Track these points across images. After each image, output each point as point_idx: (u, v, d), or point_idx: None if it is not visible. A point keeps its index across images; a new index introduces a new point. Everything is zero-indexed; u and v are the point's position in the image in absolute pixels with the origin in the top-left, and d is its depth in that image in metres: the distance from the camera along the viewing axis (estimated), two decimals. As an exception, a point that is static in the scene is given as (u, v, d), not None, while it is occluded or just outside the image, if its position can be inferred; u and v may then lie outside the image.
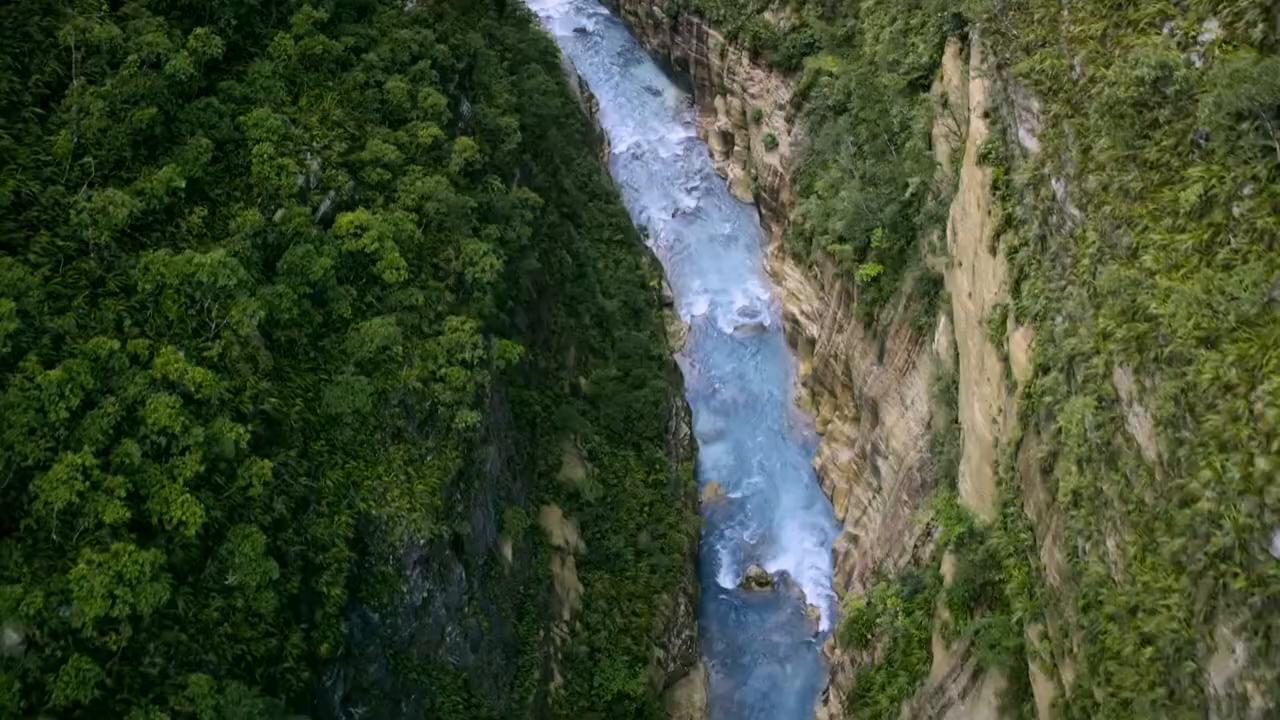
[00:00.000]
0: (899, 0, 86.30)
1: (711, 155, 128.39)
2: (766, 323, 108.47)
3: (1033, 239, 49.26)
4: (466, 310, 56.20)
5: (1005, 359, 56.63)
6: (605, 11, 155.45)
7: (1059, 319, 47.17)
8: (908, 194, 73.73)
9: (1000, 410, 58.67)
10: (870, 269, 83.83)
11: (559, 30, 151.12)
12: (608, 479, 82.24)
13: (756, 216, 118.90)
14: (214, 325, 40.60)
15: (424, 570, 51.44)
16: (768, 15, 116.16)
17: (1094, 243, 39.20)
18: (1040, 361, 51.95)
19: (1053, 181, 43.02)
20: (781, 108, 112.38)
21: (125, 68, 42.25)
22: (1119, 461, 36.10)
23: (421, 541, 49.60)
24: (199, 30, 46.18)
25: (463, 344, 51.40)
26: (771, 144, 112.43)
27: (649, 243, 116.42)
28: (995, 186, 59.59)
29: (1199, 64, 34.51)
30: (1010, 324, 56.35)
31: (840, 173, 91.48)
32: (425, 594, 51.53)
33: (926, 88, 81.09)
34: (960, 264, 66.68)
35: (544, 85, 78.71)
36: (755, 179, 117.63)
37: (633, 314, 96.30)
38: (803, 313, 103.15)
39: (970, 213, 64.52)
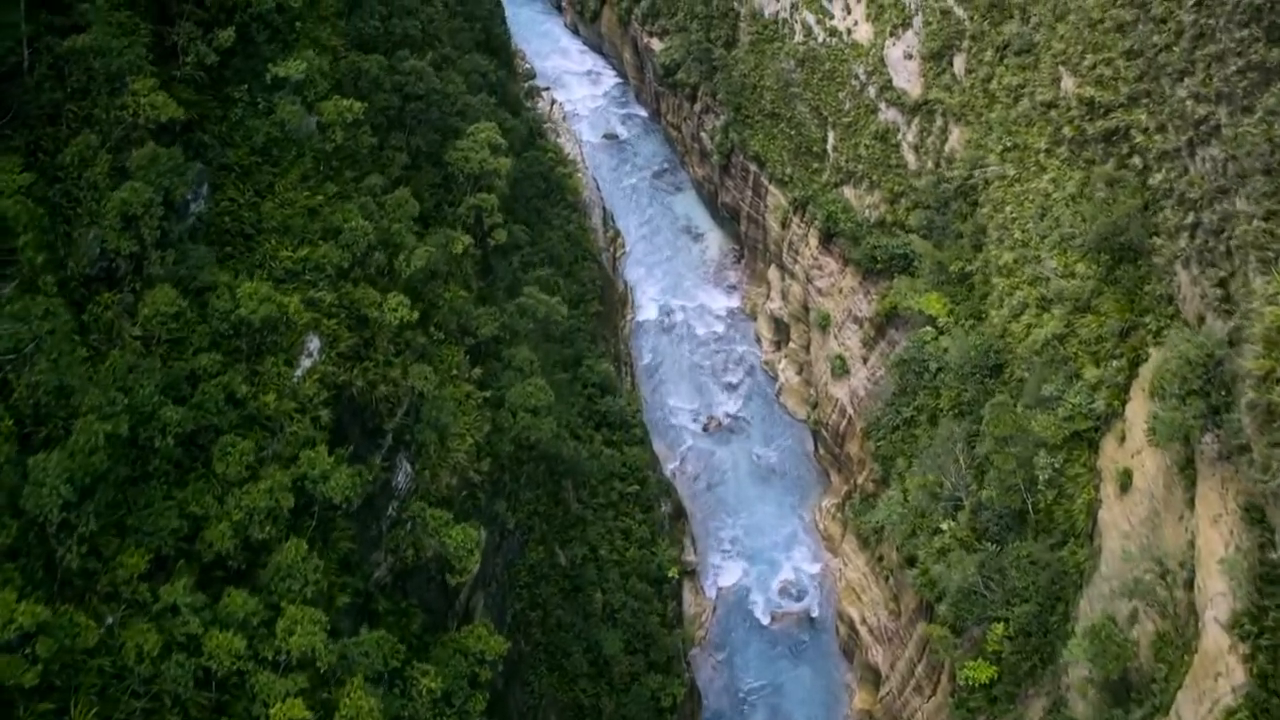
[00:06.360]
0: (1056, 284, 60.36)
1: (759, 340, 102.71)
2: (814, 612, 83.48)
3: None
4: None
5: None
6: (643, 114, 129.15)
7: None
8: (1065, 656, 48.51)
9: None
10: (980, 671, 58.75)
11: (587, 134, 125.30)
12: None
13: (810, 443, 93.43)
14: None
15: None
16: (848, 192, 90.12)
17: None
18: None
19: None
20: (858, 323, 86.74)
21: None
22: None
23: None
24: None
25: None
26: (840, 370, 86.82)
27: (669, 466, 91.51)
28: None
29: None
30: None
31: (946, 490, 65.98)
32: None
33: (1094, 443, 55.67)
34: None
35: (539, 400, 53.18)
36: (815, 405, 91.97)
37: (640, 636, 71.46)
38: (864, 622, 78.02)
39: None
